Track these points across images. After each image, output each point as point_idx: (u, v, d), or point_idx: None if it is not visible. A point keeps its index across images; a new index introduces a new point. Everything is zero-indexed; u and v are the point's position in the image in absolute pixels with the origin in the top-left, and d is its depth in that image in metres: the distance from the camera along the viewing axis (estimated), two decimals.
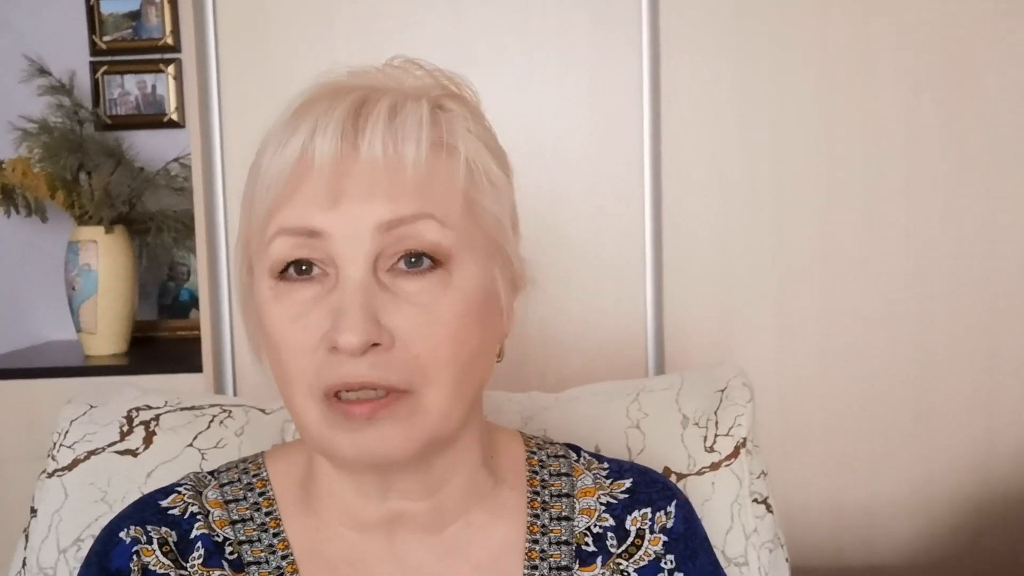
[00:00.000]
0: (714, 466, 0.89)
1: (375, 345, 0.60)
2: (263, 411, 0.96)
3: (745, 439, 0.90)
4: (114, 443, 0.90)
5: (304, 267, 0.62)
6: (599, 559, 0.71)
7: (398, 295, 0.61)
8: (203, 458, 0.90)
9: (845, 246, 1.48)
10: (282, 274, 0.63)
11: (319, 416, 0.62)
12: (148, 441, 0.90)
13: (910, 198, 1.47)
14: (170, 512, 0.70)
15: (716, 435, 0.91)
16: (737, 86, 1.47)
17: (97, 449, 0.90)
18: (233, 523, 0.70)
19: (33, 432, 1.80)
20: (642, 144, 1.49)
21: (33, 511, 0.88)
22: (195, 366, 1.66)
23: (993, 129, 1.46)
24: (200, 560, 0.68)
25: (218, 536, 0.69)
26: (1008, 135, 1.46)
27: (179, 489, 0.72)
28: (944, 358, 1.48)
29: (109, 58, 2.27)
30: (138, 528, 0.68)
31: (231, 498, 0.72)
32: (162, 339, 2.25)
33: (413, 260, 0.62)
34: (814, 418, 1.49)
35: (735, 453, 0.90)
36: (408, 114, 0.62)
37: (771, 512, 0.90)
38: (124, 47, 2.27)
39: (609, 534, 0.72)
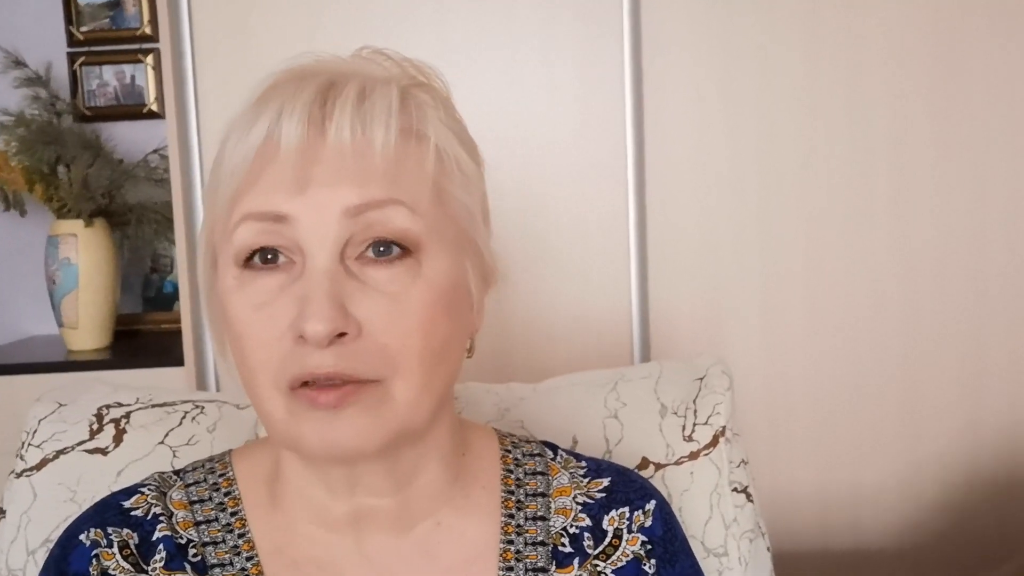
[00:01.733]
0: (693, 455, 0.88)
1: (342, 335, 0.58)
2: (237, 406, 0.95)
3: (724, 427, 0.89)
4: (83, 442, 0.89)
5: (270, 255, 0.61)
6: (576, 560, 0.69)
7: (366, 283, 0.59)
8: (174, 455, 0.88)
9: (831, 237, 1.47)
10: (247, 262, 0.61)
11: (284, 408, 0.60)
12: (118, 439, 0.89)
13: (896, 189, 1.46)
14: (132, 513, 0.68)
15: (695, 424, 0.89)
16: (721, 77, 1.46)
17: (66, 448, 0.88)
18: (197, 524, 0.69)
19: (14, 429, 1.78)
20: (625, 136, 1.47)
21: (1, 512, 0.87)
22: (178, 359, 1.65)
23: (980, 125, 1.45)
24: (162, 563, 0.66)
25: (181, 538, 0.68)
26: (995, 133, 1.45)
27: (143, 490, 0.70)
28: (930, 346, 1.47)
29: (87, 49, 2.24)
30: (98, 531, 0.67)
31: (196, 499, 0.70)
32: (146, 332, 2.23)
33: (382, 249, 0.60)
34: (801, 406, 1.49)
35: (714, 442, 0.88)
36: (377, 99, 0.61)
37: (751, 501, 0.89)
38: (102, 37, 2.24)
39: (586, 534, 0.71)
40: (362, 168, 0.59)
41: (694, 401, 0.91)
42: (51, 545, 0.83)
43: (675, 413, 0.91)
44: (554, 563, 0.69)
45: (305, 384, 0.59)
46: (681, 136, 1.47)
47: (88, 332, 1.99)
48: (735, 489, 0.88)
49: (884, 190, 1.46)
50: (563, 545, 0.70)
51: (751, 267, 1.47)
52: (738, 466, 0.89)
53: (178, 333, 1.71)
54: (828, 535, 1.51)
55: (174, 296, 2.26)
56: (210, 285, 0.66)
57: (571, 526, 0.71)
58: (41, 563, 0.83)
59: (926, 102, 1.45)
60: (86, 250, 1.96)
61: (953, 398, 1.48)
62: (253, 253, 0.61)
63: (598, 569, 0.69)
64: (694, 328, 1.49)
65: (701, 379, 0.92)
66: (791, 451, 1.49)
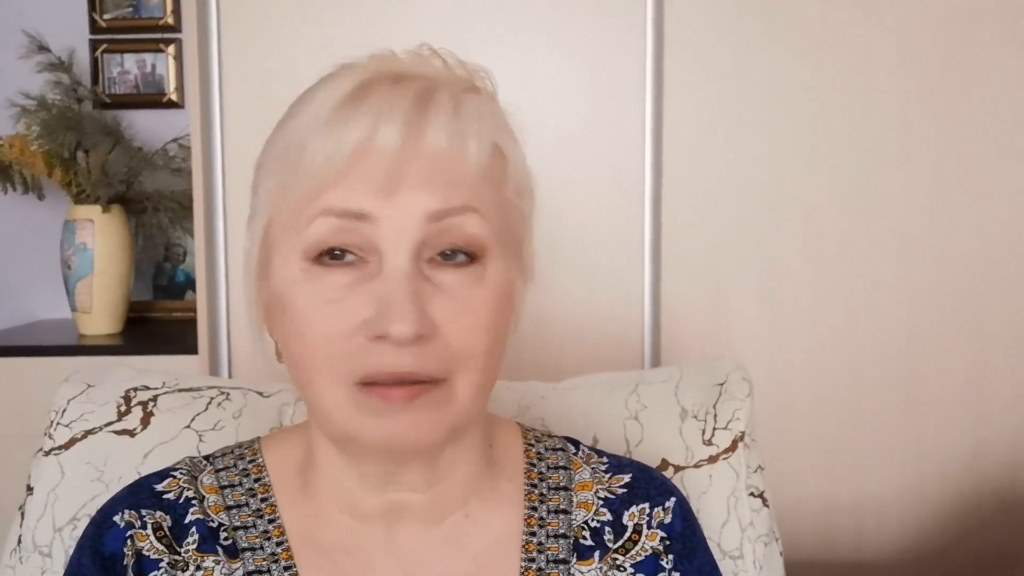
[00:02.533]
0: (712, 459, 0.89)
1: (421, 336, 0.60)
2: (261, 394, 0.96)
3: (743, 433, 0.90)
4: (111, 423, 0.90)
5: (338, 252, 0.62)
6: (596, 553, 0.71)
7: (438, 286, 0.61)
8: (200, 440, 0.90)
9: (838, 244, 1.48)
10: (318, 257, 0.62)
11: (345, 400, 0.61)
12: (145, 422, 0.90)
13: (903, 197, 1.47)
14: (165, 496, 0.70)
15: (715, 428, 0.91)
16: (738, 80, 1.47)
17: (94, 429, 0.89)
18: (228, 509, 0.70)
19: (26, 410, 1.79)
20: (643, 135, 1.48)
21: (29, 489, 0.88)
22: (189, 348, 1.66)
23: (984, 130, 1.46)
24: (194, 545, 0.68)
25: (213, 521, 0.69)
26: (999, 137, 1.47)
27: (174, 473, 0.72)
28: (934, 355, 1.49)
29: (109, 36, 2.25)
30: (132, 512, 0.68)
31: (226, 483, 0.71)
32: (156, 320, 2.24)
33: (448, 253, 0.62)
34: (805, 413, 1.50)
35: (733, 447, 0.90)
36: (471, 109, 0.63)
37: (767, 506, 0.90)
38: (124, 26, 2.26)
39: (606, 528, 0.72)
40: (451, 175, 0.61)
41: (714, 406, 0.92)
42: (77, 523, 0.85)
43: (695, 417, 0.92)
44: (575, 555, 0.70)
45: (373, 382, 0.60)
46: (698, 139, 1.48)
47: (101, 317, 2.00)
48: (752, 494, 0.89)
49: (891, 198, 1.47)
50: (584, 538, 0.71)
51: (759, 271, 1.48)
52: (755, 471, 0.91)
53: (188, 322, 1.72)
54: (830, 544, 1.52)
55: (186, 285, 2.28)
56: (261, 270, 0.66)
57: (592, 520, 0.72)
58: (67, 541, 0.85)
59: (933, 107, 1.46)
60: (102, 236, 1.97)
61: (957, 411, 1.49)
62: (330, 249, 0.62)
63: (617, 563, 0.71)
64: (703, 330, 1.50)
65: (721, 384, 0.94)
66: (795, 458, 1.50)
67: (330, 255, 0.62)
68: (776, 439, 1.49)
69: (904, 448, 1.50)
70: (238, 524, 0.69)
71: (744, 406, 0.91)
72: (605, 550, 0.71)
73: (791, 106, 1.47)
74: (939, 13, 1.46)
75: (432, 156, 0.61)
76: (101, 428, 0.89)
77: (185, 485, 0.71)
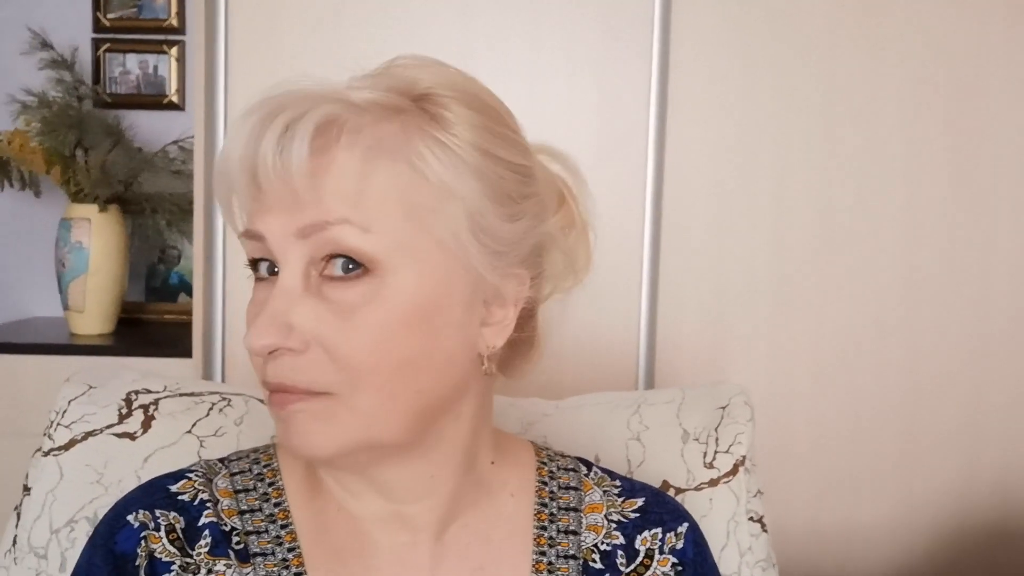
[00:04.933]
0: (713, 482, 0.89)
1: (283, 349, 0.61)
2: (262, 401, 0.95)
3: (744, 457, 0.91)
4: (112, 425, 0.89)
5: (267, 263, 0.65)
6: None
7: (327, 301, 0.61)
8: (201, 445, 0.89)
9: (841, 270, 1.48)
10: (255, 271, 0.66)
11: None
12: (147, 425, 0.90)
13: (907, 224, 1.48)
14: (180, 497, 0.70)
15: (716, 452, 0.91)
16: (744, 101, 1.47)
17: (95, 430, 0.89)
18: (241, 513, 0.70)
19: (17, 407, 1.78)
20: (646, 155, 1.49)
21: (27, 489, 0.87)
22: (182, 350, 1.65)
23: (996, 145, 1.46)
24: (207, 549, 0.68)
25: (226, 525, 0.69)
26: (1011, 152, 1.47)
27: (190, 475, 0.71)
28: (932, 388, 1.49)
29: (112, 36, 2.25)
30: (146, 513, 0.68)
31: (240, 487, 0.71)
32: (149, 322, 2.23)
33: (351, 267, 0.61)
34: (800, 440, 1.50)
35: (734, 471, 0.90)
36: (355, 126, 0.61)
37: (765, 531, 0.90)
38: (128, 26, 2.25)
39: (619, 552, 0.72)
40: (322, 191, 0.60)
41: (716, 429, 0.92)
42: (75, 525, 0.85)
43: (697, 440, 0.92)
44: None
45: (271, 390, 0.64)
46: (700, 159, 1.48)
47: (93, 317, 1.99)
48: (751, 518, 0.90)
49: (896, 226, 1.47)
50: (594, 561, 0.71)
51: (760, 296, 1.48)
52: (755, 496, 0.91)
53: (180, 324, 1.72)
54: (817, 571, 1.52)
55: (178, 288, 2.27)
56: None
57: (603, 543, 0.72)
58: (64, 542, 0.84)
59: (941, 130, 1.46)
60: (99, 235, 1.96)
61: (950, 445, 1.50)
62: (253, 262, 0.65)
63: None
64: (699, 354, 1.50)
65: (724, 408, 0.94)
66: (787, 481, 1.50)
67: (258, 267, 0.65)
68: (769, 461, 1.49)
69: (897, 476, 1.50)
70: (251, 529, 0.69)
71: (746, 430, 0.92)
72: (617, 574, 0.71)
73: (796, 128, 1.47)
74: (948, 16, 1.45)
75: (298, 173, 0.60)
76: (102, 430, 0.89)
77: (200, 487, 0.71)
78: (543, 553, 0.71)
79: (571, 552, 0.71)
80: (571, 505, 0.74)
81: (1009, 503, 1.51)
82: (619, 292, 1.50)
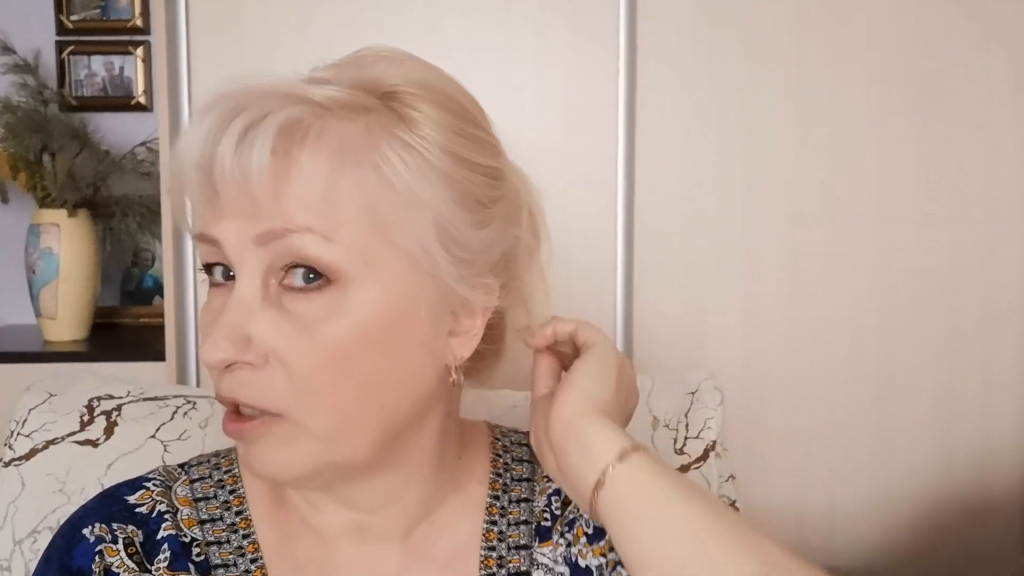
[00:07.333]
0: (683, 468, 0.89)
1: (247, 363, 0.58)
2: None
3: (715, 442, 0.90)
4: (74, 433, 0.88)
5: (222, 268, 0.61)
6: (553, 525, 0.72)
7: (286, 312, 0.58)
8: (165, 450, 0.88)
9: (813, 256, 1.48)
10: (210, 275, 0.62)
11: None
12: (109, 432, 0.89)
13: (879, 208, 1.48)
14: (138, 510, 0.68)
15: (686, 437, 0.90)
16: (711, 92, 1.47)
17: (56, 439, 0.88)
18: (202, 523, 0.68)
19: None
20: (616, 147, 1.48)
21: None
22: (157, 354, 1.63)
23: (964, 140, 1.48)
24: (166, 563, 0.66)
25: (185, 536, 0.67)
26: (978, 146, 1.48)
27: (147, 485, 0.69)
28: (907, 366, 1.50)
29: (76, 38, 2.22)
30: (103, 526, 0.66)
31: (201, 496, 0.70)
32: (124, 326, 2.21)
33: (312, 277, 0.58)
34: (779, 423, 1.50)
35: (704, 456, 0.90)
36: (319, 128, 0.58)
37: None
38: (91, 27, 2.22)
39: (554, 499, 0.73)
40: (282, 197, 0.57)
41: (686, 415, 0.92)
42: (38, 536, 0.83)
43: (667, 426, 0.92)
44: (537, 539, 0.71)
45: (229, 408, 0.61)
46: (670, 150, 1.48)
47: (66, 323, 1.97)
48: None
49: (868, 210, 1.48)
50: (545, 520, 0.72)
51: (734, 283, 1.49)
52: (727, 481, 0.90)
53: (156, 328, 1.69)
54: (801, 552, 1.52)
55: (154, 291, 2.25)
56: None
57: (554, 505, 0.73)
58: (27, 554, 0.83)
59: (910, 121, 1.47)
60: (68, 241, 1.94)
61: (926, 422, 1.50)
62: (207, 267, 0.62)
63: (570, 518, 0.72)
64: (677, 342, 1.50)
65: (693, 393, 0.93)
66: (767, 465, 1.50)
67: (215, 273, 0.62)
68: (750, 448, 1.49)
69: (874, 457, 1.51)
70: (211, 539, 0.67)
71: (716, 415, 0.91)
72: (556, 518, 0.72)
73: (765, 117, 1.47)
74: (913, 23, 1.47)
75: (258, 179, 0.56)
76: (63, 438, 0.88)
77: (159, 498, 0.68)
78: (494, 523, 0.71)
79: (523, 518, 0.72)
80: (524, 476, 0.74)
81: (983, 480, 1.52)
82: (594, 284, 1.50)
